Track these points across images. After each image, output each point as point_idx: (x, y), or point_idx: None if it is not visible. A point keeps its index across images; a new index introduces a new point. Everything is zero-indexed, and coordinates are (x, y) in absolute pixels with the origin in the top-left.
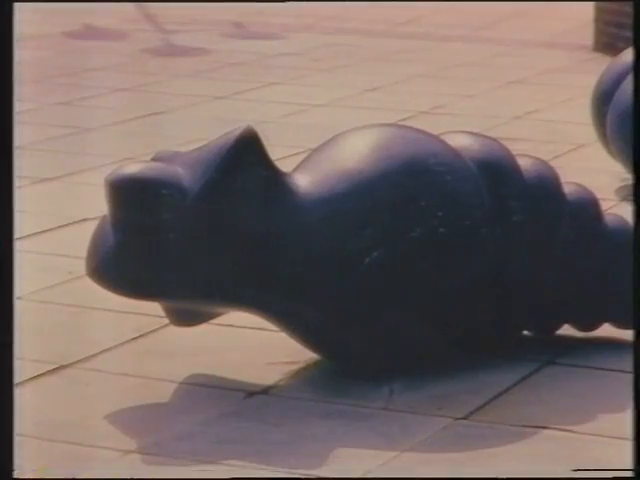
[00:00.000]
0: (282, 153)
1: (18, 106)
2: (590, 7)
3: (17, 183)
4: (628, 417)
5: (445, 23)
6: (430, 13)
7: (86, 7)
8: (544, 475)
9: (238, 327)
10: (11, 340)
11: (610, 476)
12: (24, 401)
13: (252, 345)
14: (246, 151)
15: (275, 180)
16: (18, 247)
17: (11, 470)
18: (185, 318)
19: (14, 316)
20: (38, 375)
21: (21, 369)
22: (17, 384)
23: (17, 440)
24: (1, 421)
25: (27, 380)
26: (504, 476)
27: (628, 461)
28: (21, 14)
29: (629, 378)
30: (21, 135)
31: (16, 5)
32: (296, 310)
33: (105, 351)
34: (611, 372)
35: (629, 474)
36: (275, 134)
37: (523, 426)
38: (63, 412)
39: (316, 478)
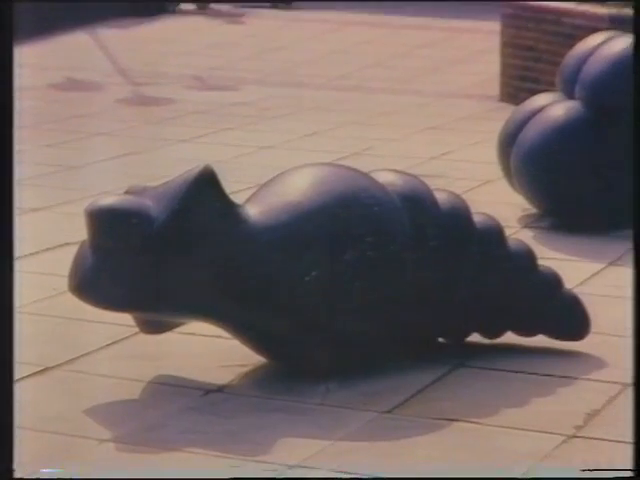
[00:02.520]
0: (235, 188)
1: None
2: (496, 63)
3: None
4: (527, 412)
5: (372, 78)
6: (359, 69)
7: (69, 63)
8: (455, 461)
9: (198, 335)
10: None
11: (610, 476)
12: (16, 397)
13: (209, 350)
14: (204, 186)
15: (229, 211)
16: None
17: (11, 470)
18: (152, 327)
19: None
20: (27, 375)
21: (15, 370)
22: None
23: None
24: (1, 422)
25: (17, 380)
26: (421, 460)
27: (526, 449)
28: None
29: (529, 378)
30: (15, 172)
31: None
32: (248, 320)
33: (84, 355)
34: (513, 373)
35: (629, 474)
36: (229, 172)
37: (438, 419)
38: (49, 407)
39: (263, 462)
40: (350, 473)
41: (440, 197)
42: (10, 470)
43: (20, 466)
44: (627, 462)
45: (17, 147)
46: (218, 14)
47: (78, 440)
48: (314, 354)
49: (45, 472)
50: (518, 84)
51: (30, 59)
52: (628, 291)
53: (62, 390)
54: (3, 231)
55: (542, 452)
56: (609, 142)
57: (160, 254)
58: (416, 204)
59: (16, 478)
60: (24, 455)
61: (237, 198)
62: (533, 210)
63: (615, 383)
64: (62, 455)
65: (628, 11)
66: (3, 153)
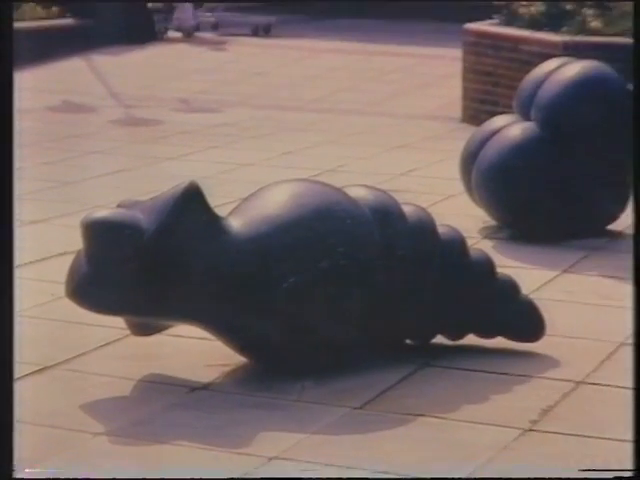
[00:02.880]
0: (219, 202)
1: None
2: (458, 88)
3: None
4: (487, 407)
5: (344, 100)
6: (333, 92)
7: (65, 87)
8: (422, 452)
9: (184, 337)
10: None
11: (610, 476)
12: (16, 394)
13: (195, 351)
14: (190, 200)
15: (213, 223)
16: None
17: (11, 470)
18: (142, 330)
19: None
20: (27, 374)
21: (15, 369)
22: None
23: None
24: (1, 423)
25: (18, 378)
26: (389, 452)
27: (486, 442)
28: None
29: (489, 377)
30: (15, 187)
31: None
32: (232, 323)
33: (80, 355)
34: (474, 372)
35: (629, 474)
36: (213, 187)
37: (405, 414)
38: (47, 403)
39: (244, 454)
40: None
41: (407, 210)
42: (10, 470)
43: (20, 461)
44: (579, 455)
45: (18, 164)
46: (203, 42)
47: (74, 433)
48: (292, 354)
49: (45, 472)
50: (478, 106)
51: (29, 83)
52: (580, 296)
53: (59, 388)
54: (3, 239)
55: (501, 444)
56: (562, 159)
57: (150, 263)
58: (385, 217)
59: (16, 478)
60: (24, 447)
61: (221, 211)
62: (492, 222)
63: (568, 381)
64: (59, 447)
65: (580, 38)
66: (3, 168)
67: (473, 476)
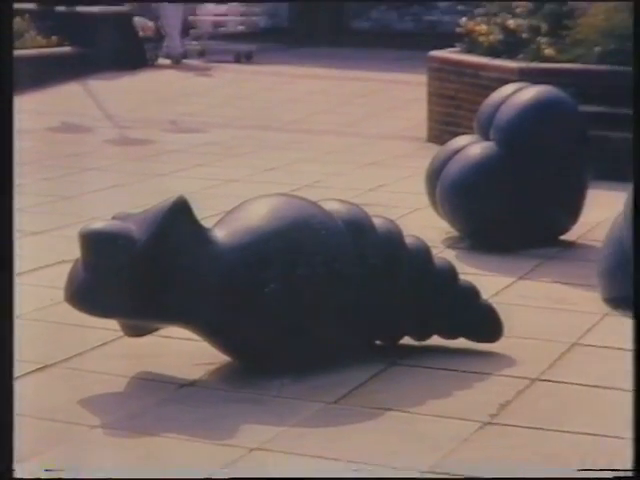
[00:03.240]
0: (205, 214)
1: (16, 180)
2: (424, 110)
3: (15, 235)
4: (449, 402)
5: (320, 122)
6: (309, 114)
7: (63, 109)
8: (390, 443)
9: (173, 338)
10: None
11: (610, 476)
12: (18, 391)
13: (183, 351)
14: (178, 213)
15: (200, 234)
16: (16, 281)
17: (11, 470)
18: (135, 331)
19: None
20: (29, 372)
21: (17, 367)
22: (13, 379)
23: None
24: (1, 423)
25: (21, 376)
26: (360, 443)
27: (449, 434)
28: (15, 114)
29: (451, 374)
30: (17, 201)
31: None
32: (217, 325)
33: (78, 355)
34: (438, 370)
35: (629, 474)
36: (200, 201)
37: (375, 408)
38: (47, 399)
39: (228, 445)
40: (359, 463)
41: (377, 222)
42: (10, 470)
43: (22, 452)
44: (534, 446)
45: (20, 180)
46: (190, 68)
47: (72, 426)
48: (273, 354)
49: (45, 472)
50: (442, 127)
51: (30, 106)
52: (535, 301)
53: (59, 384)
54: (4, 246)
55: (462, 436)
56: (518, 176)
57: (142, 270)
58: (357, 228)
59: (16, 478)
60: (26, 439)
61: (207, 223)
62: (455, 233)
63: (524, 378)
64: (59, 439)
65: (535, 65)
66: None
67: (437, 465)
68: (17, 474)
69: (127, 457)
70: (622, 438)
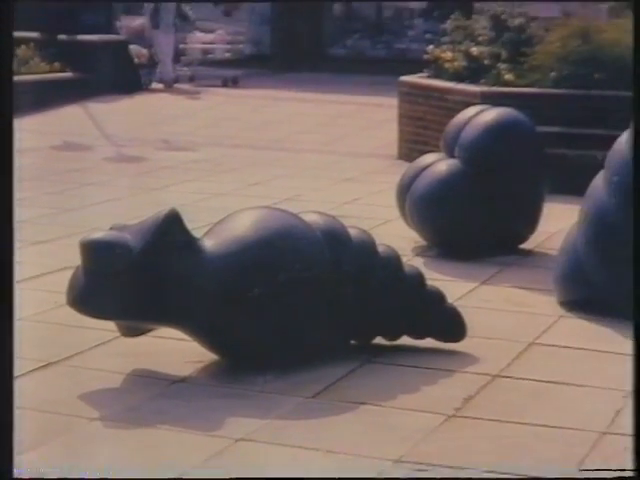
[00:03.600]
0: (195, 225)
1: (21, 194)
2: (395, 130)
3: (21, 244)
4: (418, 396)
5: (300, 141)
6: (290, 134)
7: (65, 130)
8: (364, 434)
9: (166, 338)
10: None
11: (611, 476)
12: (24, 386)
13: (175, 349)
14: (171, 224)
15: (190, 243)
16: (21, 286)
17: (11, 470)
18: (131, 332)
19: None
20: (34, 369)
21: (23, 365)
22: (19, 375)
23: (19, 412)
24: (1, 423)
25: (27, 372)
26: (337, 434)
27: (417, 425)
28: (21, 133)
29: (419, 371)
30: (23, 213)
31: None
32: (206, 326)
33: (79, 353)
34: (408, 367)
35: (629, 474)
36: (190, 213)
37: (350, 403)
38: (51, 393)
39: (216, 436)
40: (336, 452)
41: (352, 232)
42: (10, 470)
43: (27, 442)
44: (495, 436)
45: (24, 194)
46: (181, 92)
47: (73, 419)
48: (257, 352)
49: (45, 472)
50: (411, 146)
51: (35, 126)
52: (496, 304)
53: (61, 380)
54: (4, 253)
55: (430, 428)
56: (481, 190)
57: (137, 276)
58: (334, 238)
59: (16, 478)
60: (31, 430)
61: (196, 233)
62: (423, 242)
63: (486, 375)
64: (61, 430)
65: (495, 89)
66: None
67: (407, 454)
68: (23, 463)
69: (124, 447)
70: (577, 429)
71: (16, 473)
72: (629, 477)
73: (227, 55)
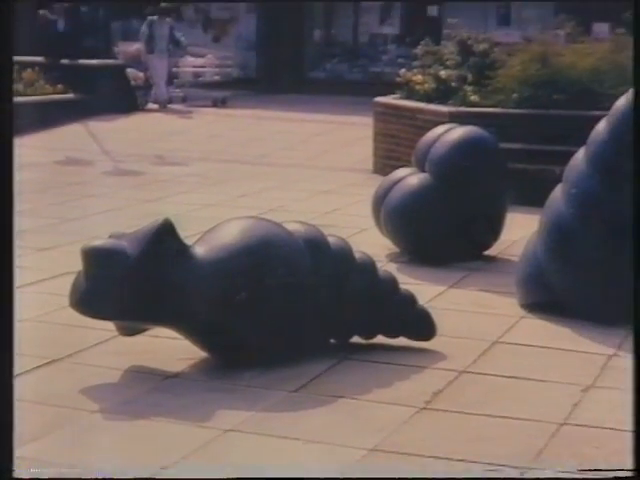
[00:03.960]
0: (187, 234)
1: (27, 205)
2: (370, 147)
3: (26, 251)
4: (391, 390)
5: (283, 156)
6: (274, 150)
7: (68, 146)
8: (342, 426)
9: (161, 337)
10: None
11: (611, 476)
12: (29, 382)
13: (168, 347)
14: (165, 233)
15: (183, 250)
16: (27, 289)
17: (11, 470)
18: (128, 331)
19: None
20: (38, 366)
21: (28, 362)
22: (25, 372)
23: (25, 405)
24: (1, 423)
25: (31, 369)
26: (317, 424)
27: (390, 417)
28: (27, 149)
29: (393, 367)
30: (27, 222)
31: (23, 142)
32: (196, 327)
33: (80, 351)
34: (382, 364)
35: (629, 474)
36: (183, 222)
37: (329, 396)
38: (54, 388)
39: (206, 427)
40: (316, 442)
41: (331, 240)
42: (10, 470)
43: (30, 433)
44: (461, 427)
45: (29, 205)
46: (174, 111)
47: (75, 411)
48: (244, 350)
49: (45, 472)
50: (385, 161)
51: (39, 143)
52: (463, 306)
53: (64, 376)
54: (4, 251)
55: (402, 419)
56: (449, 202)
57: (134, 280)
58: (314, 245)
59: (16, 478)
60: (35, 422)
61: (188, 241)
62: (396, 249)
63: (453, 371)
64: (63, 421)
65: (462, 109)
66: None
67: (381, 444)
68: (29, 452)
69: (121, 436)
70: (537, 421)
71: (16, 473)
72: (629, 477)
73: (216, 78)
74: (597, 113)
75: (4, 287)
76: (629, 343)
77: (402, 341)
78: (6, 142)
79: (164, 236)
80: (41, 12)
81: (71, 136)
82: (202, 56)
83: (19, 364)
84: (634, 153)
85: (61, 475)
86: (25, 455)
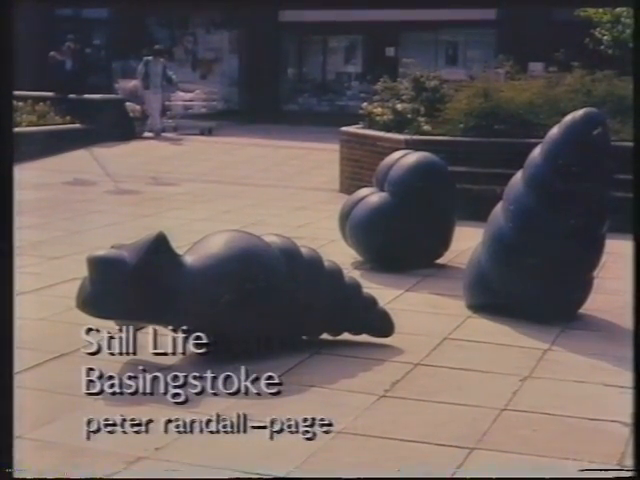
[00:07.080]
0: (179, 244)
1: (40, 220)
2: (337, 170)
3: (40, 260)
4: (355, 380)
5: (262, 177)
6: (254, 172)
7: (75, 169)
8: (313, 411)
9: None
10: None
11: (611, 476)
12: (40, 373)
13: (162, 343)
14: (159, 244)
15: (175, 259)
16: (40, 293)
17: (11, 470)
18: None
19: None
20: (48, 359)
21: (39, 356)
22: (36, 365)
23: (37, 393)
24: (1, 423)
25: (43, 362)
26: (289, 409)
27: (355, 403)
28: (39, 172)
29: (357, 360)
30: (40, 235)
31: (36, 165)
32: (187, 325)
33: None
34: (348, 357)
35: (630, 474)
36: (175, 235)
37: (302, 386)
38: (63, 378)
39: (195, 412)
40: (292, 427)
41: (304, 250)
42: (10, 470)
43: (41, 416)
44: (418, 413)
45: (42, 220)
46: (166, 139)
47: (80, 398)
48: (226, 346)
49: (45, 472)
50: (350, 182)
51: (50, 166)
52: (417, 307)
53: (72, 368)
54: (4, 264)
55: (365, 405)
56: (405, 217)
57: (133, 285)
58: (289, 254)
59: (16, 478)
60: (46, 407)
61: (180, 250)
62: (360, 258)
63: (409, 363)
64: (71, 407)
65: (416, 137)
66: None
67: (348, 427)
68: (42, 435)
69: (121, 419)
70: (482, 407)
71: (17, 473)
72: (629, 477)
73: (203, 110)
74: (532, 140)
75: (4, 289)
76: (562, 339)
77: (365, 338)
78: (6, 159)
79: (159, 247)
80: (51, 54)
81: (77, 160)
82: (191, 91)
83: (32, 357)
84: (633, 162)
85: (61, 475)
86: (38, 438)
